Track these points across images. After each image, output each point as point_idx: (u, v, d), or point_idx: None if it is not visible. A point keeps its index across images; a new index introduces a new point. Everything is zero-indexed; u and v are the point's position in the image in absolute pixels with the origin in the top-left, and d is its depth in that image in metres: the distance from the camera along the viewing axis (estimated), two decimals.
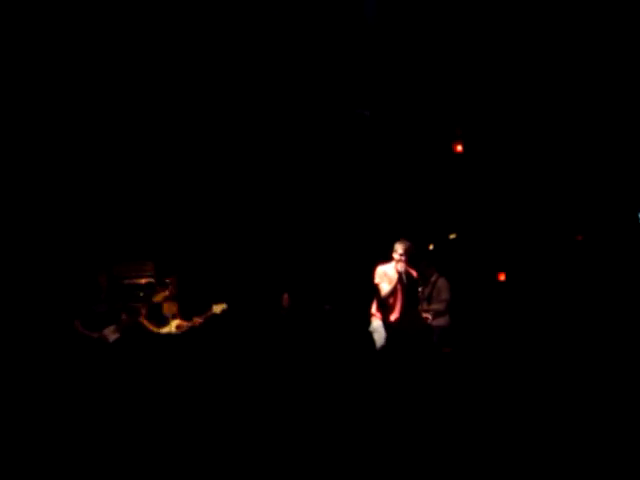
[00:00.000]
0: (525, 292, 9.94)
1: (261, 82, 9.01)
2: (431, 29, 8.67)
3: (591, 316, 8.99)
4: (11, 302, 7.98)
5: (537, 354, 7.97)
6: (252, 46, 8.55)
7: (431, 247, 9.79)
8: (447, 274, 8.25)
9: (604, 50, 8.61)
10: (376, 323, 6.82)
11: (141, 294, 8.57)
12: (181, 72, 8.69)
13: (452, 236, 10.54)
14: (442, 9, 8.45)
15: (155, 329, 7.64)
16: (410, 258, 6.67)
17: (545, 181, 10.18)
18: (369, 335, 6.88)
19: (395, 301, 6.77)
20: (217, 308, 7.68)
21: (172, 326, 7.66)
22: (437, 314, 7.79)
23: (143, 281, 9.00)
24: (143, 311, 7.80)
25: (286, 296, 9.18)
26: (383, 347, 6.70)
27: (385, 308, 6.76)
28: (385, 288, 6.69)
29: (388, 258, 6.78)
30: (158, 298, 7.86)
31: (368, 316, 6.92)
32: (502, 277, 10.43)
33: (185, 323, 7.71)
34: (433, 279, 8.09)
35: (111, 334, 7.36)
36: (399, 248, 6.66)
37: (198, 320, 7.70)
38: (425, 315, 7.56)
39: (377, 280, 6.77)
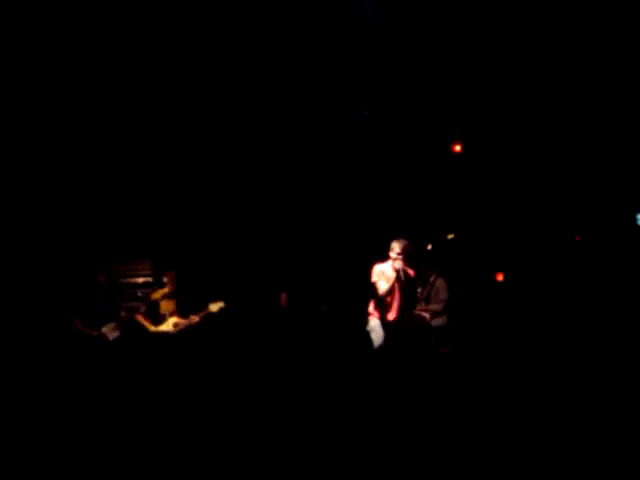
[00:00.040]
0: (523, 292, 9.94)
1: (261, 82, 9.02)
2: (431, 29, 8.68)
3: (590, 316, 8.99)
4: (11, 300, 7.97)
5: (535, 354, 7.97)
6: (252, 46, 8.55)
7: (429, 247, 9.78)
8: (445, 274, 8.25)
9: (604, 50, 8.62)
10: (374, 322, 6.82)
11: (138, 293, 8.55)
12: (180, 70, 8.69)
13: (450, 236, 10.54)
14: (442, 9, 8.46)
15: (152, 327, 7.63)
16: (407, 257, 6.67)
17: (544, 181, 10.19)
18: (367, 334, 6.88)
19: (393, 300, 6.77)
20: (214, 306, 7.67)
21: (169, 324, 7.65)
22: (435, 314, 7.77)
23: (140, 280, 9.01)
24: (141, 309, 7.79)
25: (284, 295, 9.18)
26: (381, 346, 6.70)
27: (383, 307, 6.75)
28: (383, 287, 6.69)
29: (386, 257, 6.78)
30: (155, 296, 7.85)
31: (366, 315, 6.91)
32: (500, 277, 10.44)
33: (182, 321, 7.70)
34: (431, 279, 8.08)
35: (111, 332, 7.36)
36: (396, 247, 6.65)
37: (195, 318, 7.69)
38: (423, 314, 7.56)
39: (375, 279, 6.77)
